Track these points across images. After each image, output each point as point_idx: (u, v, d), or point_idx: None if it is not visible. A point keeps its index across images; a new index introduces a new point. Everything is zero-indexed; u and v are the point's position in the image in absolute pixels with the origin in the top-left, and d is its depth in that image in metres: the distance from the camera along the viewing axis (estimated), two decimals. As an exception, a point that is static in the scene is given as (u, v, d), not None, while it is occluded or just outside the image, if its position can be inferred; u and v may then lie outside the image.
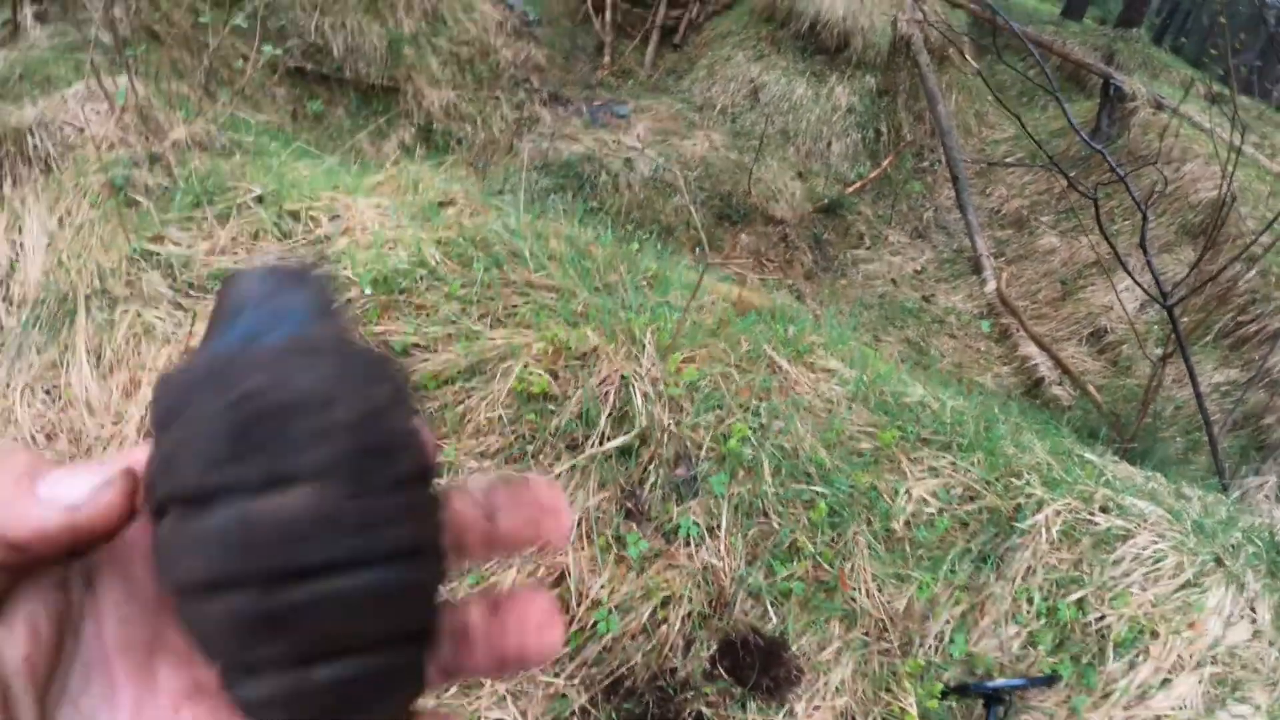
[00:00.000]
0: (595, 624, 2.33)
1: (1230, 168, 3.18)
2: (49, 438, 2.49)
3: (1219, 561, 2.79)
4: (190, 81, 3.29)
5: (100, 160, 2.72)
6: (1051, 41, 7.18)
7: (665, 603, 2.39)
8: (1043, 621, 2.66)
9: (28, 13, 3.06)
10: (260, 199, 3.29)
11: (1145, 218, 3.13)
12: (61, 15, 3.14)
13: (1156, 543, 2.78)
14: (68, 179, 2.60)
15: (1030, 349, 5.13)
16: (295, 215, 3.31)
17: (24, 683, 0.27)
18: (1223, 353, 4.79)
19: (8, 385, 2.41)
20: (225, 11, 3.41)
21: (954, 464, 2.94)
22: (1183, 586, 2.73)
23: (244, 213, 3.22)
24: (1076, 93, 7.15)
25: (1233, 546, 2.87)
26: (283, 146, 3.61)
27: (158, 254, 2.96)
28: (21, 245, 2.48)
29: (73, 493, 0.26)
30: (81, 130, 2.62)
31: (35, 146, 2.52)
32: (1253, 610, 2.70)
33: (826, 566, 2.59)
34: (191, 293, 3.02)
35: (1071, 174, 6.24)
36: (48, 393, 2.50)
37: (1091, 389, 4.30)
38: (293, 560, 0.23)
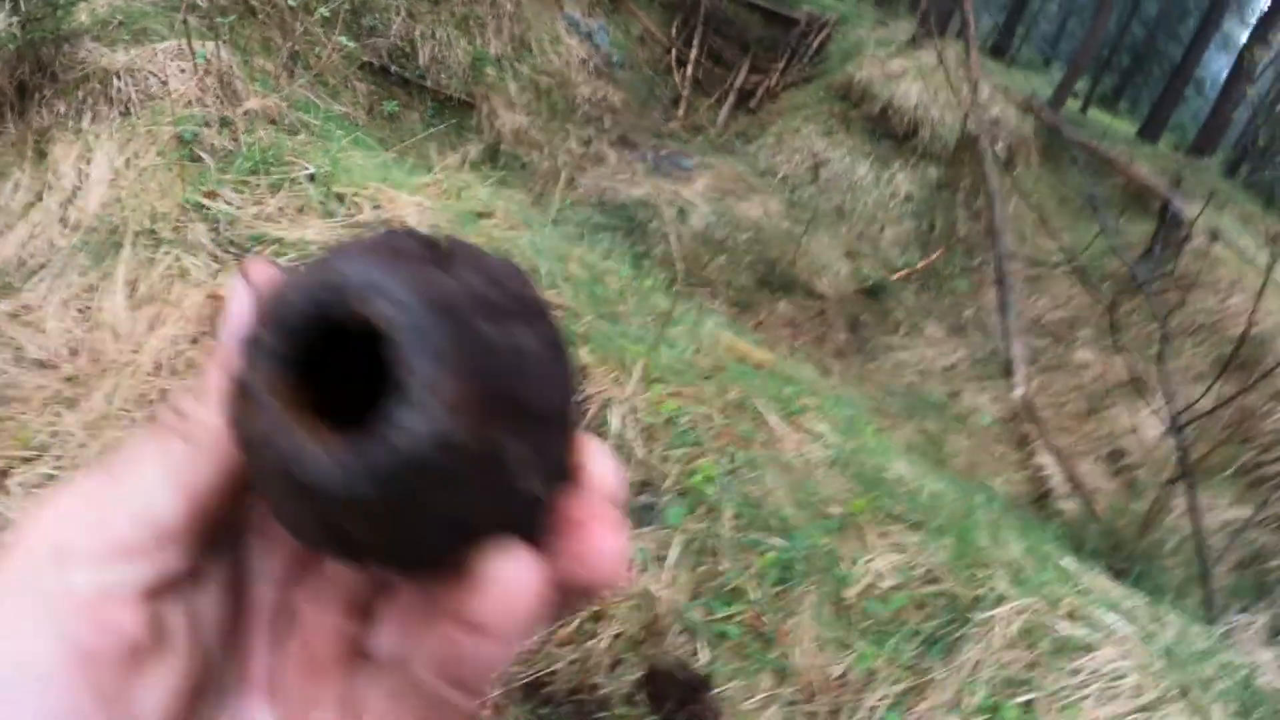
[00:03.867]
0: (527, 623, 2.38)
1: (1260, 298, 3.16)
2: (73, 353, 2.68)
3: (1184, 692, 2.70)
4: (275, 60, 3.57)
5: (175, 114, 2.95)
6: (1117, 158, 7.18)
7: (596, 617, 2.43)
8: (984, 718, 2.61)
9: (138, -36, 3.35)
10: (312, 177, 3.50)
11: (1166, 335, 3.13)
12: (170, -27, 3.44)
13: (1119, 660, 2.72)
14: (141, 125, 2.83)
15: (1045, 459, 5.06)
16: (340, 198, 3.52)
17: (219, 645, 0.26)
18: (1240, 489, 4.66)
19: (45, 298, 2.61)
20: (319, 0, 3.71)
21: (920, 544, 2.93)
22: (1140, 709, 2.66)
23: (294, 187, 3.44)
24: (1140, 213, 7.11)
25: (1203, 680, 2.79)
26: (346, 135, 3.85)
27: (208, 208, 3.18)
28: (87, 176, 2.71)
29: None
30: (164, 83, 2.87)
31: (119, 90, 2.77)
32: (1215, 747, 2.61)
33: (767, 617, 2.60)
34: (231, 249, 3.23)
35: (1126, 295, 6.19)
36: (80, 311, 2.69)
37: (1096, 505, 4.22)
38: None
